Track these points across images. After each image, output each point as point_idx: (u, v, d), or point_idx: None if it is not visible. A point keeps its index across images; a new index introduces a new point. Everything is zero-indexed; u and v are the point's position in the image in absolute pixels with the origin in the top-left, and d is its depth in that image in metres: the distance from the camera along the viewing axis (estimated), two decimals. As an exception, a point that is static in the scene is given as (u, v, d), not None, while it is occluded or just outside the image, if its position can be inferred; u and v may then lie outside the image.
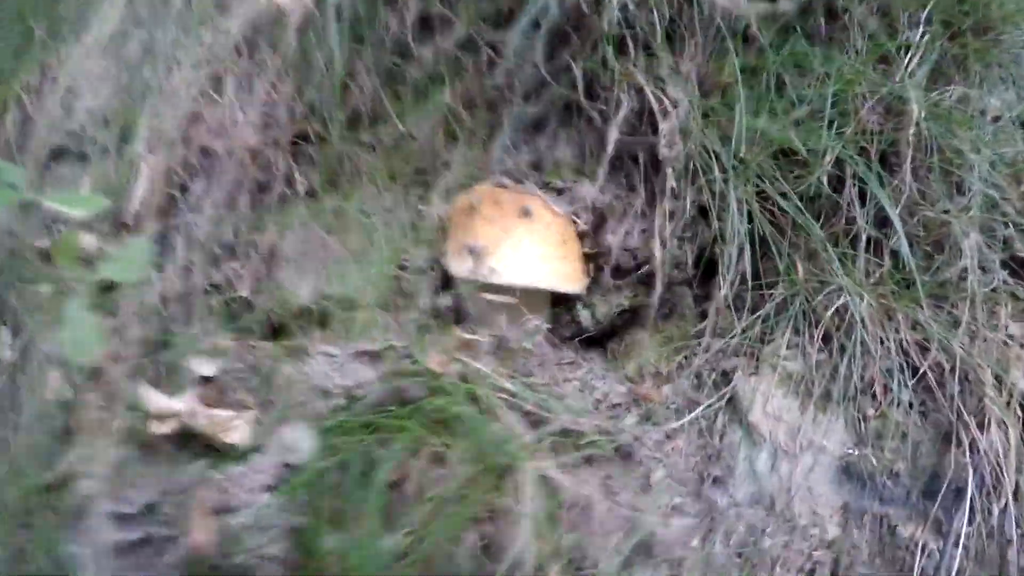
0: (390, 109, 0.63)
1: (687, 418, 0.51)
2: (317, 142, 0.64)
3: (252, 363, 0.52)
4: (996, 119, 0.68)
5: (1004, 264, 0.61)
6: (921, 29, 0.64)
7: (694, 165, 0.50)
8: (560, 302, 0.52)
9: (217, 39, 0.73)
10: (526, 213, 0.43)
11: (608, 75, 0.52)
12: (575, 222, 0.49)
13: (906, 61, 0.62)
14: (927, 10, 0.65)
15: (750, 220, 0.53)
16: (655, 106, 0.50)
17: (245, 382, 0.51)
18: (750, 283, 0.55)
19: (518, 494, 0.37)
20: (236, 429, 0.46)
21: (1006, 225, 0.64)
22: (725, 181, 0.50)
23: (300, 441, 0.43)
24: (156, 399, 0.46)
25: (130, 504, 0.44)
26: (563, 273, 0.45)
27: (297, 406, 0.47)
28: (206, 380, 0.50)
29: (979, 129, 0.64)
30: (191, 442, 0.47)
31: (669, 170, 0.48)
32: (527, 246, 0.42)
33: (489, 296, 0.42)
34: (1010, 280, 0.60)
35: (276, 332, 0.57)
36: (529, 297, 0.44)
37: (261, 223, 0.61)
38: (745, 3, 0.55)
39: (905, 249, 0.55)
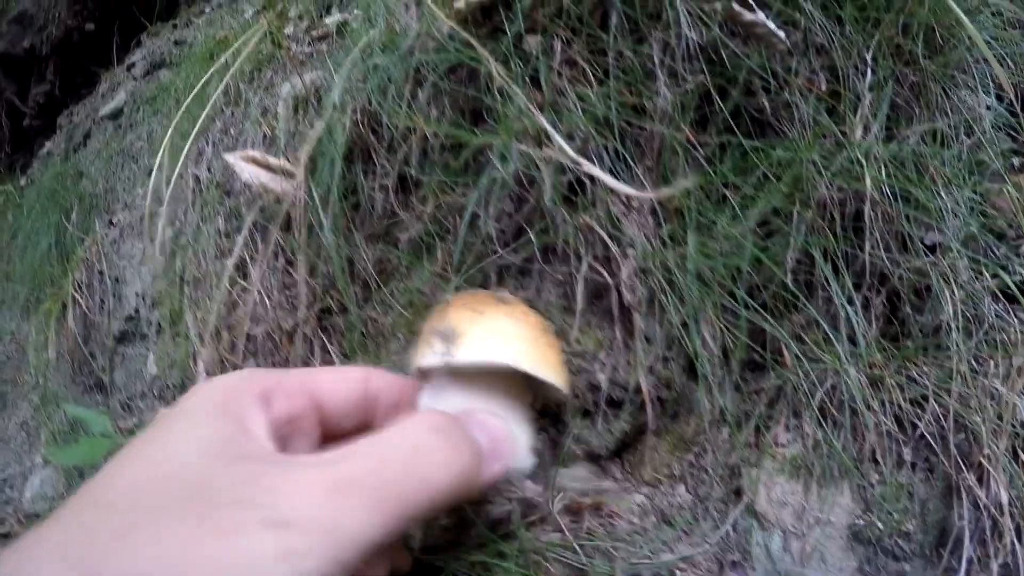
0: (381, 276, 0.79)
1: (700, 514, 0.65)
2: (340, 312, 0.81)
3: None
4: (969, 132, 0.75)
5: (999, 295, 0.69)
6: (868, 76, 0.72)
7: (659, 300, 0.62)
8: (552, 418, 0.67)
9: (231, 226, 0.92)
10: (502, 300, 0.41)
11: (566, 228, 0.65)
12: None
13: (858, 117, 0.71)
14: (871, 51, 0.73)
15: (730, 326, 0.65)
16: (614, 249, 0.63)
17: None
18: (746, 374, 0.67)
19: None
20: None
21: (998, 242, 0.71)
22: (692, 307, 0.62)
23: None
24: None
25: None
26: (547, 360, 0.40)
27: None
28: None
29: (950, 163, 0.71)
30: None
31: (636, 315, 0.61)
32: (504, 326, 0.38)
33: (460, 393, 0.39)
34: (1004, 314, 0.68)
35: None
36: (508, 397, 0.40)
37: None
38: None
39: (861, 328, 0.65)
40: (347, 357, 0.80)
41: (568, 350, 0.68)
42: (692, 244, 0.62)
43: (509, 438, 0.36)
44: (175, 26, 1.68)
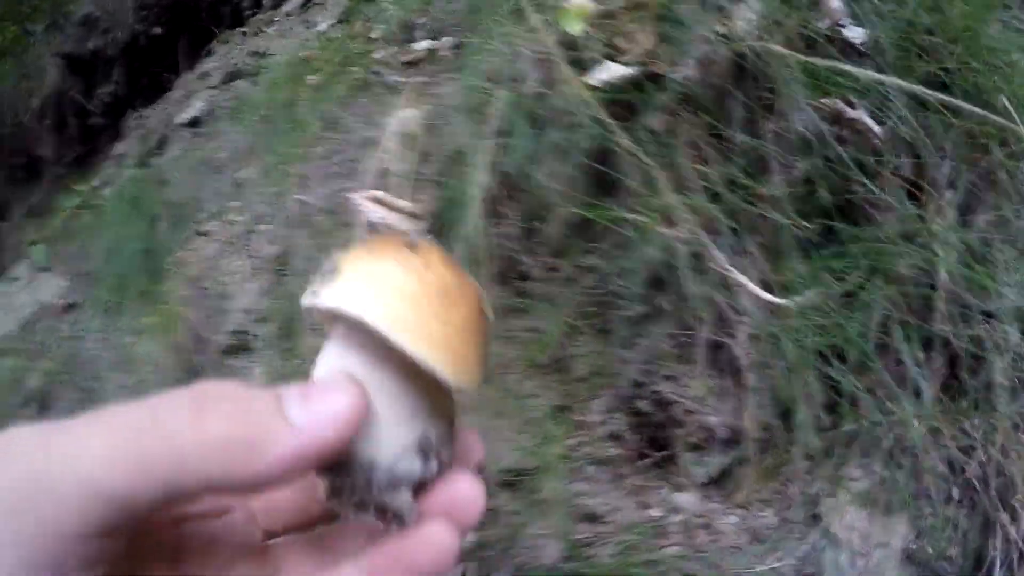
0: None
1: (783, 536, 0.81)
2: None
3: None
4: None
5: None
6: (946, 166, 0.87)
7: (765, 360, 0.77)
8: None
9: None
10: (411, 245, 0.32)
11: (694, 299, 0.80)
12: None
13: (935, 206, 0.85)
14: (950, 143, 0.88)
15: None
16: (731, 317, 0.78)
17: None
18: (827, 420, 0.83)
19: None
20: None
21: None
22: (791, 366, 0.77)
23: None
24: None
25: None
26: (420, 327, 0.29)
27: None
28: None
29: (1013, 242, 0.86)
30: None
31: (750, 375, 0.76)
32: (387, 272, 0.29)
33: (341, 354, 0.30)
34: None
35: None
36: (397, 372, 0.30)
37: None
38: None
39: (925, 386, 0.80)
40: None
41: (682, 393, 0.83)
42: (796, 318, 0.77)
43: (344, 412, 0.27)
44: (244, 34, 1.76)
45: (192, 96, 1.62)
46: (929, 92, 0.81)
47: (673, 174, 0.83)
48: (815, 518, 0.84)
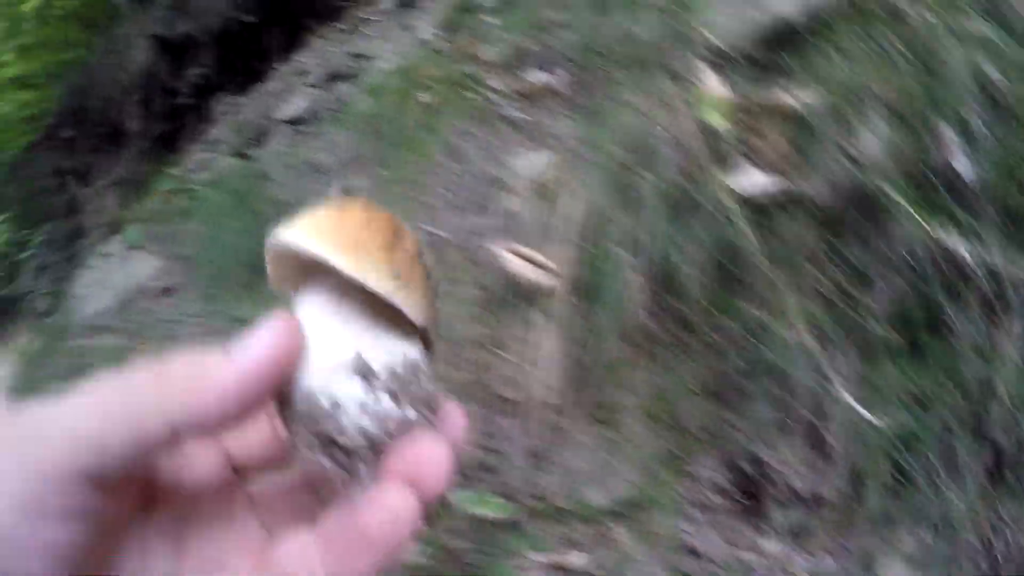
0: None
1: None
2: (584, 390, 1.12)
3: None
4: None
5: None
6: None
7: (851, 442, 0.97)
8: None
9: (482, 295, 1.19)
10: (353, 199, 0.35)
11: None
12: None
13: (1005, 327, 1.04)
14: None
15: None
16: (828, 407, 0.96)
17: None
18: (887, 492, 1.03)
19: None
20: None
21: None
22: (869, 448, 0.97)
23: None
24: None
25: None
26: (338, 239, 0.31)
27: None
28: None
29: None
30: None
31: (836, 449, 0.95)
32: (321, 213, 0.33)
33: (304, 297, 0.33)
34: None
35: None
36: (338, 300, 0.32)
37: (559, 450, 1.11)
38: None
39: (971, 474, 1.01)
40: (591, 425, 1.11)
41: (777, 458, 1.02)
42: (880, 418, 0.96)
43: (270, 339, 0.29)
44: (342, 31, 1.82)
45: (292, 92, 1.69)
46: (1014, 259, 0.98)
47: (793, 278, 1.00)
48: (868, 569, 1.05)
